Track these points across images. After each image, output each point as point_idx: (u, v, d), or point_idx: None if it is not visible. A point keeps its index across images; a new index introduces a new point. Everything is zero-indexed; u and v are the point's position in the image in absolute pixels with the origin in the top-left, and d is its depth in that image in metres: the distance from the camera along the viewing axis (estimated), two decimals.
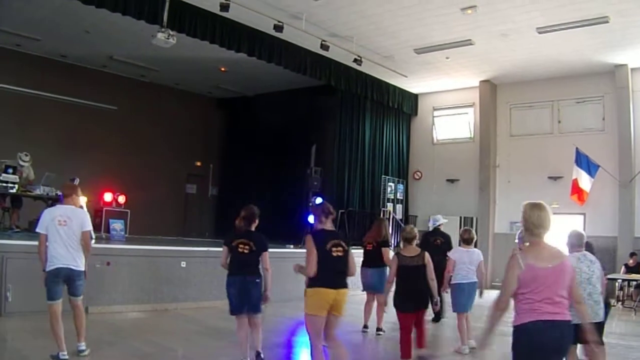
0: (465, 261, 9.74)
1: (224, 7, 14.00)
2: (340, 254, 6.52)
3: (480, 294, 9.79)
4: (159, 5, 13.65)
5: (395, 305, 8.14)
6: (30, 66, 19.35)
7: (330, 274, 6.45)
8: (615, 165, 18.32)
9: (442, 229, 13.18)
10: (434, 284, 8.11)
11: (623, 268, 16.83)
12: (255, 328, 7.90)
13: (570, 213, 18.89)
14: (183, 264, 12.47)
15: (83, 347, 7.76)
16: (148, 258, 12.29)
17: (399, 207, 22.53)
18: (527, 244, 4.81)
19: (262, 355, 7.82)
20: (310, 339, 6.55)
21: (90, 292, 10.71)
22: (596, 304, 6.81)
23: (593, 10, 14.23)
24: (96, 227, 14.96)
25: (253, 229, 7.99)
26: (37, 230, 7.62)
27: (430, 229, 13.29)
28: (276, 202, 20.78)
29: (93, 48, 18.97)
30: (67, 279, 7.62)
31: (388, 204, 21.80)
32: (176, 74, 22.13)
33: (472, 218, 21.43)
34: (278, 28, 15.32)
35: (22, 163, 14.70)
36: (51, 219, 7.58)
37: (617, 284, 16.31)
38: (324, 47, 16.69)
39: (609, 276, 16.38)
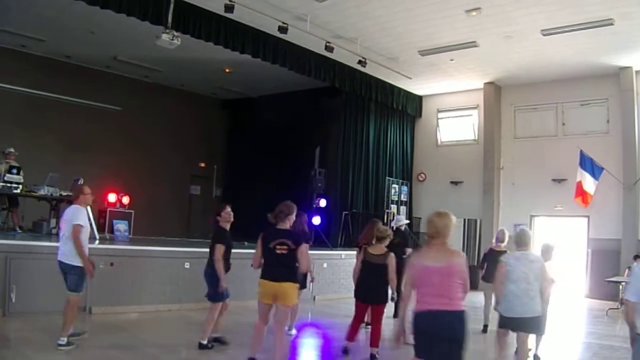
0: None
1: (229, 8, 14.04)
2: (284, 251, 7.32)
3: None
4: (163, 6, 13.68)
5: (355, 295, 9.28)
6: (35, 67, 19.40)
7: (272, 269, 7.34)
8: (619, 168, 18.29)
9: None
10: (393, 283, 9.00)
11: (627, 271, 16.78)
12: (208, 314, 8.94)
13: (574, 216, 18.93)
14: (187, 265, 12.46)
15: (62, 342, 7.92)
16: (152, 259, 12.29)
17: (403, 208, 22.51)
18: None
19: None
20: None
21: (93, 293, 10.76)
22: (531, 300, 7.31)
23: (597, 13, 14.22)
24: (100, 228, 15.07)
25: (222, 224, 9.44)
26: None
27: (394, 229, 13.70)
28: (280, 202, 20.75)
29: (97, 49, 19.01)
30: (62, 271, 8.03)
31: (392, 205, 21.80)
32: (180, 75, 22.17)
33: (476, 220, 21.40)
34: (282, 29, 15.34)
35: (10, 150, 14.73)
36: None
37: (620, 286, 16.29)
38: (329, 48, 16.71)
39: (612, 279, 16.41)
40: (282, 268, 7.30)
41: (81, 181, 14.45)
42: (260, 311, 7.51)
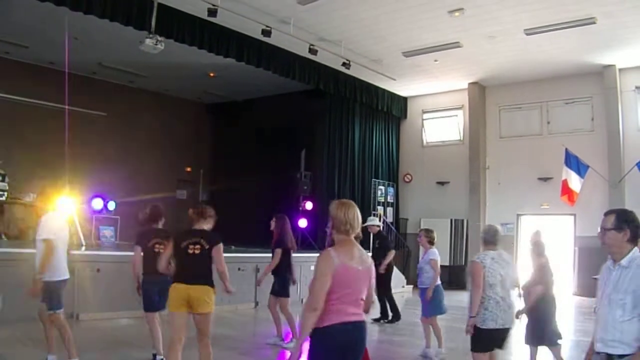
0: (439, 263, 9.74)
1: (212, 13, 14.01)
2: (197, 251, 6.64)
3: None
4: (146, 11, 13.64)
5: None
6: (19, 73, 19.30)
7: (184, 271, 6.65)
8: (604, 166, 18.40)
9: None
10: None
11: None
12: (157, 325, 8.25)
13: (561, 214, 18.99)
14: None
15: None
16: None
17: (390, 210, 22.54)
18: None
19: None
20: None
21: (80, 299, 10.75)
22: (510, 309, 6.46)
23: (580, 12, 14.31)
24: (86, 234, 15.00)
25: (160, 226, 8.58)
26: (48, 237, 7.34)
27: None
28: (266, 206, 20.73)
29: (82, 55, 18.86)
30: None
31: (379, 207, 21.81)
32: (165, 79, 22.12)
33: (462, 220, 21.46)
34: (266, 33, 15.33)
35: None
36: (60, 227, 7.52)
37: None
38: (312, 51, 16.72)
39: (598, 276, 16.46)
40: (195, 270, 6.67)
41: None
42: (177, 325, 6.74)
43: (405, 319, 12.78)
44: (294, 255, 10.42)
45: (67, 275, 7.49)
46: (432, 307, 9.57)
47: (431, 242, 9.81)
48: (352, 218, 4.51)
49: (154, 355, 8.14)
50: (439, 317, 9.68)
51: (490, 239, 6.69)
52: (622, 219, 4.34)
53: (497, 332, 6.35)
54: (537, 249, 8.16)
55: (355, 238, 8.16)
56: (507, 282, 6.45)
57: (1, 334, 9.34)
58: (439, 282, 9.62)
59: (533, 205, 19.93)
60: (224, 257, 6.79)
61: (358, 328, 4.42)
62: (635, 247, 4.28)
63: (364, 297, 4.45)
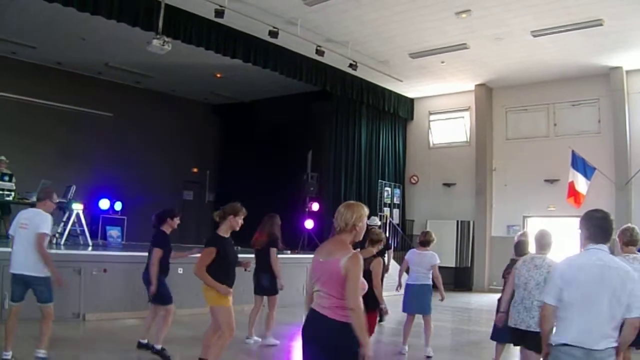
0: (415, 263, 9.86)
1: (219, 14, 14.02)
2: None
3: (442, 298, 9.91)
4: (154, 12, 13.63)
5: None
6: (26, 74, 19.35)
7: None
8: (611, 168, 18.36)
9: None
10: (378, 290, 7.83)
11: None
12: (160, 320, 8.85)
13: (567, 216, 18.89)
14: (180, 271, 12.39)
15: (42, 355, 7.63)
16: (145, 265, 12.24)
17: (396, 211, 22.55)
18: None
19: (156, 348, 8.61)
20: None
21: (87, 299, 10.78)
22: (525, 311, 6.64)
23: (587, 14, 14.29)
24: (93, 234, 15.01)
25: (165, 229, 9.09)
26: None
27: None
28: (273, 207, 20.62)
29: (88, 55, 18.95)
30: (22, 284, 7.66)
31: (385, 208, 21.83)
32: (172, 80, 22.13)
33: (468, 222, 21.43)
34: (273, 34, 15.34)
35: (1, 157, 14.67)
36: (16, 222, 7.69)
37: None
38: (319, 52, 16.71)
39: None
40: None
41: (73, 188, 14.49)
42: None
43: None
44: (293, 256, 10.70)
45: (17, 271, 7.64)
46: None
47: (422, 244, 9.99)
48: (336, 217, 4.61)
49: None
50: (435, 318, 9.96)
51: (535, 243, 6.94)
52: (582, 219, 4.69)
53: (512, 330, 6.85)
54: (518, 248, 8.39)
55: (377, 241, 8.06)
56: (530, 285, 6.66)
57: (4, 333, 9.35)
58: (413, 282, 9.89)
59: (539, 207, 19.90)
60: (205, 259, 6.99)
61: (313, 319, 4.48)
62: (590, 245, 4.57)
63: (328, 291, 4.38)
